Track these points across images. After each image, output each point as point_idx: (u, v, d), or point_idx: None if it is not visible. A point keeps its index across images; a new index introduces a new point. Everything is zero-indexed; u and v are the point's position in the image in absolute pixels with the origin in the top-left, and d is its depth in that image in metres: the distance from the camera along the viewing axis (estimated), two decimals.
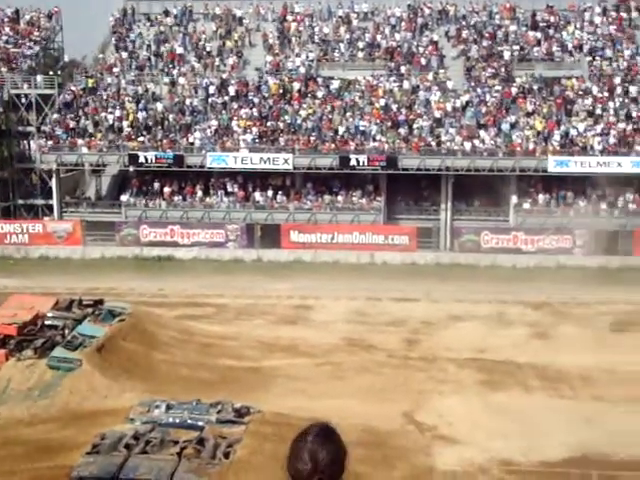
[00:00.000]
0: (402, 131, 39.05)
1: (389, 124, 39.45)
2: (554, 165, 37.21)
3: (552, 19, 44.07)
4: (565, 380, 23.19)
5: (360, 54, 43.54)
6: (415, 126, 39.23)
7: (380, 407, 20.77)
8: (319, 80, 42.29)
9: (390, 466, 17.98)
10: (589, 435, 19.29)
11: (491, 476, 17.99)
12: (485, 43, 43.20)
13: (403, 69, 42.32)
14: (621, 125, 38.38)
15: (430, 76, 41.69)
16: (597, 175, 36.96)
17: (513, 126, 38.91)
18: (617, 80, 40.50)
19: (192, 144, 39.45)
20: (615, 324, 27.39)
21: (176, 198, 39.72)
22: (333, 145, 38.64)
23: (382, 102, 40.36)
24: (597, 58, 41.87)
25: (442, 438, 19.68)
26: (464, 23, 44.57)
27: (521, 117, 39.28)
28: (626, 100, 39.66)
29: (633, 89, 40.01)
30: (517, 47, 42.85)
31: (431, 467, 18.32)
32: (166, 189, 39.74)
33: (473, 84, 41.27)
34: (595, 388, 22.57)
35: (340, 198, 39.06)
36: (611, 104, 39.44)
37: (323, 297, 31.05)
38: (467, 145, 38.07)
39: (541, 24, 43.94)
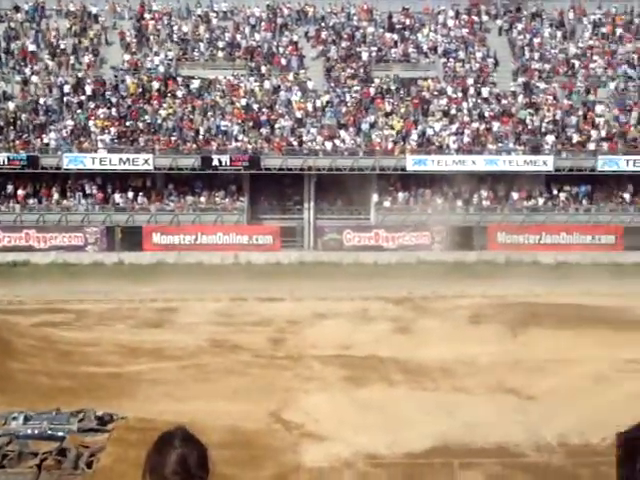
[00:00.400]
0: (264, 131, 39.12)
1: (251, 124, 39.43)
2: (412, 164, 38.22)
3: (408, 21, 45.17)
4: (426, 373, 23.81)
5: (220, 53, 43.27)
6: (277, 126, 39.38)
7: (247, 407, 20.72)
8: (179, 79, 41.72)
9: (258, 466, 17.97)
10: (450, 425, 19.88)
11: (356, 470, 18.27)
12: (344, 44, 43.83)
13: (264, 69, 42.38)
14: (474, 125, 39.81)
15: (291, 76, 41.95)
16: (453, 173, 38.25)
17: (372, 126, 39.69)
18: (470, 81, 41.99)
19: (47, 145, 38.14)
20: (472, 317, 28.38)
21: (31, 201, 38.26)
22: (195, 145, 38.27)
23: (243, 102, 40.29)
24: (451, 60, 43.24)
25: (309, 435, 19.83)
26: (323, 24, 45.05)
27: (380, 117, 40.10)
28: (479, 100, 41.18)
29: (485, 90, 41.58)
30: (375, 48, 43.69)
31: (298, 465, 18.43)
32: (20, 192, 38.19)
33: (333, 84, 41.82)
34: (455, 379, 23.30)
35: (203, 199, 38.71)
36: (465, 104, 40.84)
37: (187, 299, 30.70)
38: (328, 145, 38.55)
39: (397, 26, 44.93)
